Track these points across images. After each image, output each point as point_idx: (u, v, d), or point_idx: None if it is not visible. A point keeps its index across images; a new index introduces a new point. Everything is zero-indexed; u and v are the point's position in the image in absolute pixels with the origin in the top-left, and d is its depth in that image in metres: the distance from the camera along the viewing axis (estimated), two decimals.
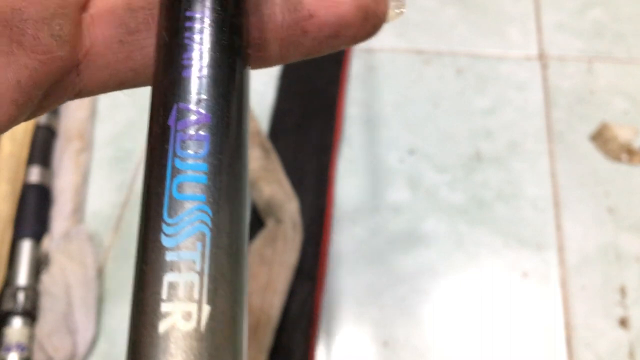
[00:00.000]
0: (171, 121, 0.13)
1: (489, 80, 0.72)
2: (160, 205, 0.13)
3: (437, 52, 0.75)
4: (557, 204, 0.62)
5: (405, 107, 0.70)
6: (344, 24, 0.16)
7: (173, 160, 0.13)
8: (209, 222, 0.12)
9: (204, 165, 0.13)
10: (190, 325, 0.11)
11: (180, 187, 0.13)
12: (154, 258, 0.12)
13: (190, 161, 0.13)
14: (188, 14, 0.14)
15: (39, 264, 0.58)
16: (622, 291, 0.57)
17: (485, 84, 0.72)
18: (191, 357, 0.11)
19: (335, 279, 0.59)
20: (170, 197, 0.13)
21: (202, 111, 0.13)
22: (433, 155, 0.66)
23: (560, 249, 0.59)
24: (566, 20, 0.77)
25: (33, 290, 0.56)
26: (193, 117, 0.13)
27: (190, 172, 0.13)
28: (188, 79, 0.14)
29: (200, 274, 0.12)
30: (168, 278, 0.12)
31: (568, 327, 0.55)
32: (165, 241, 0.12)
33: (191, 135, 0.13)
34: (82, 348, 0.55)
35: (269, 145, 0.64)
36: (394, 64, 0.74)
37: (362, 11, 0.16)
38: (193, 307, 0.11)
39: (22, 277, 0.57)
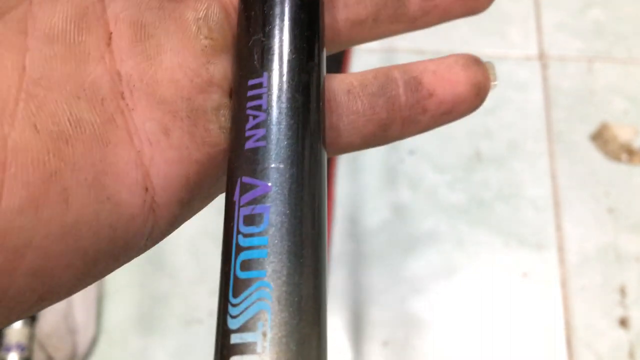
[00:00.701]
0: (236, 196, 0.13)
1: None
2: (227, 285, 0.12)
3: (437, 52, 0.75)
4: (557, 204, 0.62)
5: None
6: (459, 101, 0.17)
7: (237, 238, 0.12)
8: (270, 298, 0.12)
9: (264, 239, 0.12)
10: None
11: (242, 264, 0.12)
12: (222, 342, 0.12)
13: (251, 237, 0.12)
14: (251, 82, 0.14)
15: None
16: (622, 291, 0.57)
17: None
18: None
19: (335, 279, 0.59)
20: (235, 276, 0.12)
21: (264, 182, 0.13)
22: (433, 155, 0.66)
23: (560, 249, 0.59)
24: (566, 20, 0.77)
25: None
26: (254, 190, 0.13)
27: (251, 248, 0.12)
28: (250, 151, 0.13)
29: (261, 355, 0.11)
30: None
31: (568, 327, 0.55)
32: (231, 323, 0.12)
33: (253, 209, 0.13)
34: (82, 348, 0.55)
35: None
36: (394, 64, 0.74)
37: (476, 88, 0.17)
38: None
39: None
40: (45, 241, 0.11)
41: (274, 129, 0.13)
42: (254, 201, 0.13)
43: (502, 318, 0.56)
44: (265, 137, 0.13)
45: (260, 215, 0.12)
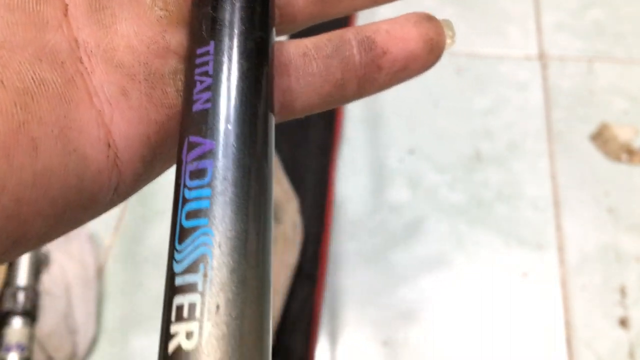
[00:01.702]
0: (183, 155, 0.14)
1: (489, 80, 0.72)
2: (174, 234, 0.13)
3: None
4: (557, 204, 0.62)
5: (405, 106, 0.70)
6: (412, 58, 0.17)
7: (183, 191, 0.14)
8: (211, 243, 0.13)
9: (207, 191, 0.13)
10: (192, 343, 0.12)
11: (187, 214, 0.13)
12: (168, 284, 0.13)
13: (195, 189, 0.13)
14: (199, 51, 0.15)
15: (39, 264, 0.58)
16: (622, 291, 0.57)
17: (485, 83, 0.72)
18: None
19: (335, 279, 0.59)
20: (180, 225, 0.13)
21: (209, 140, 0.14)
22: (433, 155, 0.66)
23: (560, 249, 0.59)
24: (566, 20, 0.77)
25: (33, 290, 0.56)
26: (199, 147, 0.14)
27: (195, 200, 0.13)
28: (197, 113, 0.14)
29: (202, 294, 0.12)
30: (176, 301, 0.12)
31: (568, 327, 0.55)
32: (175, 267, 0.13)
33: (197, 164, 0.14)
34: (82, 348, 0.55)
35: None
36: None
37: (428, 44, 0.18)
38: (195, 327, 0.12)
39: (22, 277, 0.57)
40: (18, 187, 0.13)
41: (219, 92, 0.14)
42: (199, 157, 0.14)
43: (502, 318, 0.56)
44: (210, 100, 0.14)
45: (204, 170, 0.14)
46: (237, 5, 0.15)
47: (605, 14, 0.77)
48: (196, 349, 0.12)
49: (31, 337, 0.54)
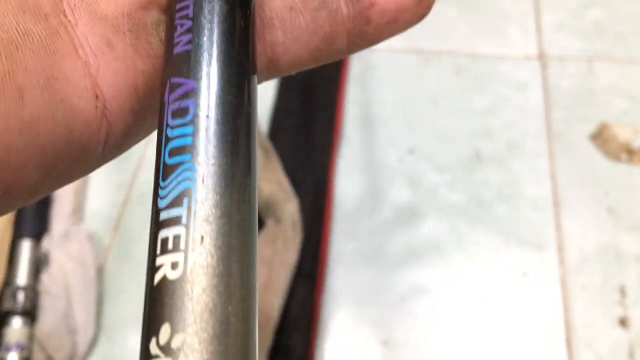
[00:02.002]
0: (166, 97, 0.14)
1: (488, 80, 0.72)
2: (157, 173, 0.14)
3: (437, 52, 0.75)
4: (557, 204, 0.62)
5: (405, 107, 0.70)
6: (401, 9, 0.18)
7: (166, 131, 0.14)
8: (195, 178, 0.13)
9: (190, 128, 0.14)
10: (177, 273, 0.12)
11: (170, 152, 0.14)
12: (153, 221, 0.13)
13: (178, 128, 0.14)
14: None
15: (39, 264, 0.58)
16: (622, 291, 0.57)
17: (485, 84, 0.72)
18: (177, 301, 0.12)
19: (335, 279, 0.59)
20: (164, 163, 0.13)
21: (190, 80, 0.14)
22: (433, 155, 0.66)
23: (560, 249, 0.59)
24: (566, 20, 0.77)
25: (33, 290, 0.56)
26: (181, 88, 0.14)
27: (178, 138, 0.14)
28: (179, 55, 0.15)
29: (187, 226, 0.12)
30: (161, 235, 0.13)
31: (568, 327, 0.55)
32: (160, 203, 0.13)
33: (179, 104, 0.14)
34: (82, 348, 0.55)
35: (269, 145, 0.64)
36: (394, 64, 0.74)
37: None
38: (180, 257, 0.12)
39: (22, 277, 0.57)
40: (6, 135, 0.13)
41: (200, 33, 0.15)
42: (181, 97, 0.14)
43: (502, 318, 0.56)
44: (191, 42, 0.14)
45: (186, 109, 0.14)
46: None
47: (605, 14, 0.77)
48: (182, 279, 0.12)
49: (31, 337, 0.54)
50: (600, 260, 0.59)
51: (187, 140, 0.13)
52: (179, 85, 0.14)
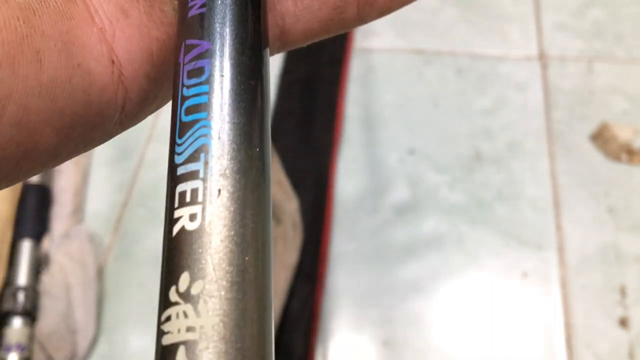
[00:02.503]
0: (180, 58, 0.15)
1: (489, 80, 0.72)
2: (174, 130, 0.14)
3: (437, 52, 0.75)
4: (557, 204, 0.62)
5: (405, 107, 0.70)
6: None
7: (182, 90, 0.14)
8: (211, 134, 0.13)
9: (205, 87, 0.14)
10: (195, 224, 0.12)
11: (187, 110, 0.14)
12: (171, 177, 0.14)
13: (194, 87, 0.14)
14: None
15: (39, 264, 0.58)
16: (622, 291, 0.57)
17: (485, 84, 0.72)
18: (195, 251, 0.12)
19: (335, 279, 0.59)
20: (180, 121, 0.14)
21: (205, 41, 0.14)
22: (433, 155, 0.66)
23: (560, 249, 0.59)
24: (566, 20, 0.77)
25: (33, 290, 0.56)
26: (196, 49, 0.14)
27: (194, 96, 0.14)
28: (193, 18, 0.15)
29: (204, 180, 0.13)
30: (179, 189, 0.13)
31: (568, 327, 0.55)
32: (177, 159, 0.14)
33: (195, 64, 0.14)
34: (82, 348, 0.55)
35: None
36: (394, 64, 0.74)
37: None
38: (198, 209, 0.13)
39: (22, 277, 0.57)
40: (24, 96, 0.13)
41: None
42: (196, 57, 0.14)
43: (502, 318, 0.56)
44: (205, 4, 0.15)
45: (201, 68, 0.14)
46: None
47: (605, 14, 0.77)
48: (200, 229, 0.12)
49: (31, 337, 0.54)
50: (600, 260, 0.59)
51: (203, 99, 0.14)
52: (194, 46, 0.14)
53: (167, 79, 0.17)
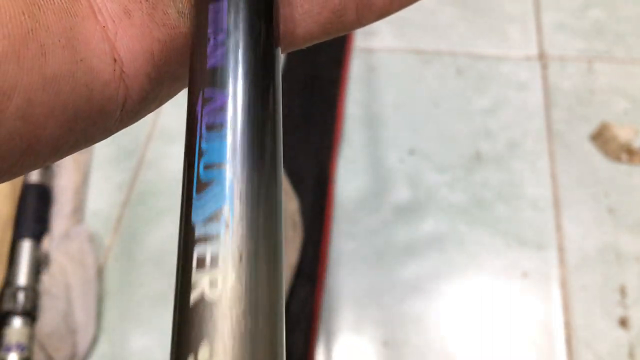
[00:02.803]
0: (198, 107, 0.14)
1: (489, 80, 0.72)
2: (190, 185, 0.14)
3: (437, 52, 0.75)
4: (557, 204, 0.62)
5: (405, 107, 0.70)
6: None
7: (200, 143, 0.14)
8: (232, 194, 0.13)
9: (225, 143, 0.14)
10: (217, 292, 0.12)
11: (205, 166, 0.14)
12: (186, 234, 0.13)
13: (213, 142, 0.14)
14: (211, 8, 0.15)
15: (39, 264, 0.58)
16: (622, 291, 0.57)
17: (485, 84, 0.72)
18: (218, 321, 0.12)
19: (335, 279, 0.59)
20: (198, 176, 0.13)
21: (223, 93, 0.14)
22: (433, 155, 0.66)
23: (560, 249, 0.59)
24: (566, 20, 0.77)
25: (33, 290, 0.56)
26: (215, 101, 0.14)
27: (213, 152, 0.14)
28: (212, 68, 0.15)
29: (225, 242, 0.12)
30: (197, 251, 0.12)
31: (568, 327, 0.55)
32: (194, 217, 0.13)
33: (214, 118, 0.14)
34: (82, 348, 0.55)
35: None
36: (394, 64, 0.74)
37: None
38: (219, 275, 0.12)
39: (22, 277, 0.57)
40: (29, 88, 0.13)
41: (234, 49, 0.15)
42: (216, 111, 0.14)
43: (502, 318, 0.56)
44: (225, 56, 0.15)
45: (221, 124, 0.14)
46: None
47: (605, 14, 0.77)
48: (222, 296, 0.12)
49: (31, 337, 0.54)
50: (600, 260, 0.59)
51: (223, 156, 0.13)
52: (213, 98, 0.14)
53: (167, 80, 0.17)
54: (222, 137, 0.14)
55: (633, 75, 0.71)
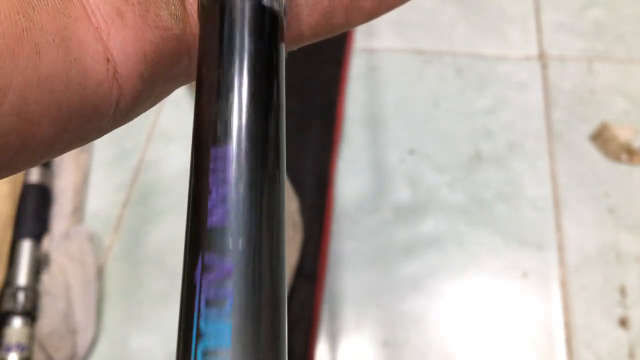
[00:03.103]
0: (196, 275, 0.12)
1: (489, 80, 0.72)
2: None
3: (437, 52, 0.75)
4: (557, 204, 0.62)
5: (405, 107, 0.70)
6: None
7: (197, 322, 0.12)
8: None
9: (228, 325, 0.12)
10: None
11: (204, 353, 0.12)
12: None
13: (214, 321, 0.12)
14: (213, 154, 0.14)
15: (39, 264, 0.58)
16: (622, 291, 0.57)
17: (485, 84, 0.72)
18: None
19: (335, 279, 0.59)
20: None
21: (227, 262, 0.12)
22: (433, 155, 0.66)
23: (560, 249, 0.59)
24: (566, 20, 0.77)
25: (33, 290, 0.56)
26: (216, 271, 0.12)
27: (213, 334, 0.12)
28: (213, 229, 0.13)
29: None
30: None
31: (568, 327, 0.55)
32: None
33: (215, 292, 0.12)
34: (82, 348, 0.55)
35: None
36: (394, 64, 0.74)
37: None
38: None
39: (22, 277, 0.57)
40: (24, 86, 0.14)
41: (239, 209, 0.13)
42: (217, 283, 0.12)
43: (502, 318, 0.56)
44: (227, 215, 0.13)
45: (223, 300, 0.12)
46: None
47: (605, 14, 0.77)
48: None
49: (31, 337, 0.54)
50: (600, 260, 0.59)
51: (225, 341, 0.12)
52: (214, 265, 0.12)
53: (160, 80, 0.17)
54: (223, 316, 0.12)
55: (633, 75, 0.71)
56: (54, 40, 0.14)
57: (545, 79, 0.72)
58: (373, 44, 0.75)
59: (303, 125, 0.69)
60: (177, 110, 0.68)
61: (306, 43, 0.18)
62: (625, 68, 0.72)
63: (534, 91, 0.71)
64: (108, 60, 0.15)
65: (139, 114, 0.18)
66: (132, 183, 0.66)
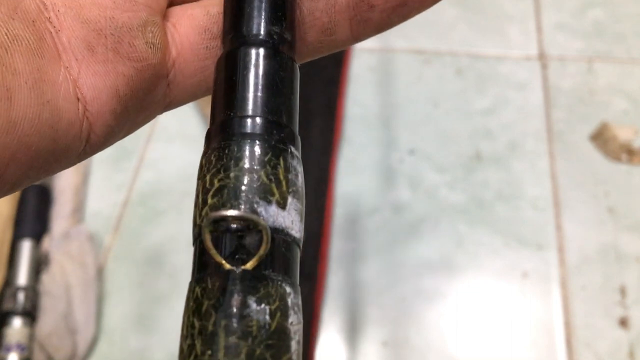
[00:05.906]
0: None
1: (489, 80, 0.72)
2: None
3: (437, 52, 0.75)
4: (557, 204, 0.62)
5: (405, 107, 0.70)
6: None
7: None
8: None
9: None
10: None
11: None
12: None
13: None
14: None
15: (39, 264, 0.58)
16: (622, 291, 0.57)
17: (485, 84, 0.72)
18: None
19: (335, 279, 0.59)
20: None
21: None
22: (433, 155, 0.66)
23: (560, 249, 0.59)
24: (566, 20, 0.77)
25: (33, 290, 0.56)
26: None
27: None
28: None
29: None
30: None
31: (568, 327, 0.55)
32: None
33: None
34: (82, 348, 0.55)
35: None
36: (394, 63, 0.74)
37: None
38: None
39: (22, 277, 0.57)
40: None
41: None
42: None
43: (502, 318, 0.56)
44: None
45: None
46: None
47: (605, 14, 0.77)
48: None
49: (31, 337, 0.54)
50: (600, 260, 0.59)
51: None
52: None
53: (133, 112, 0.16)
54: None
55: (633, 75, 0.71)
56: (26, 82, 0.14)
57: (545, 79, 0.72)
58: (373, 43, 0.75)
59: (303, 125, 0.69)
60: (177, 110, 0.68)
61: (308, 59, 0.17)
62: (625, 68, 0.72)
63: (534, 91, 0.71)
64: (78, 99, 0.15)
65: (111, 144, 0.17)
66: (132, 183, 0.66)
